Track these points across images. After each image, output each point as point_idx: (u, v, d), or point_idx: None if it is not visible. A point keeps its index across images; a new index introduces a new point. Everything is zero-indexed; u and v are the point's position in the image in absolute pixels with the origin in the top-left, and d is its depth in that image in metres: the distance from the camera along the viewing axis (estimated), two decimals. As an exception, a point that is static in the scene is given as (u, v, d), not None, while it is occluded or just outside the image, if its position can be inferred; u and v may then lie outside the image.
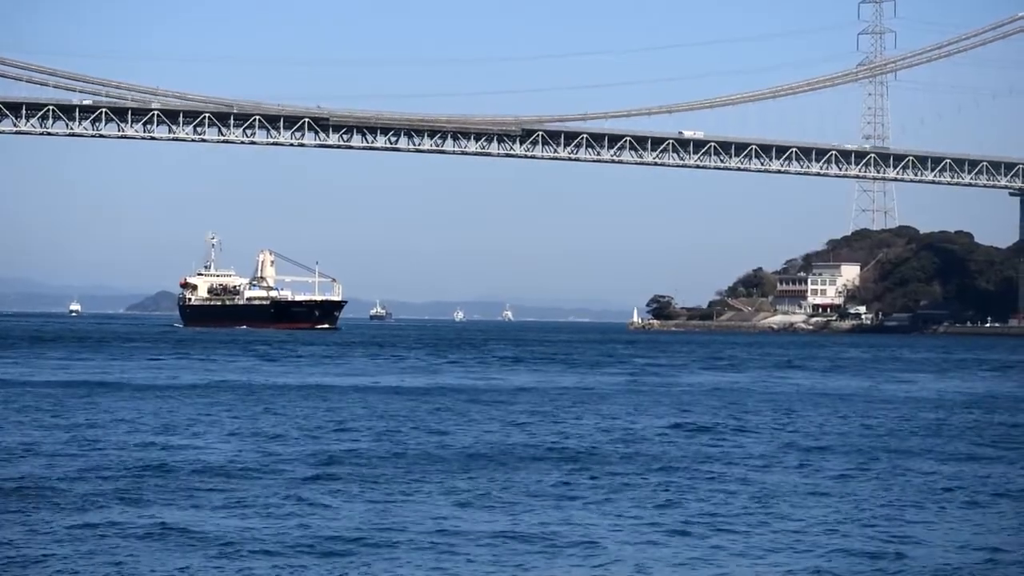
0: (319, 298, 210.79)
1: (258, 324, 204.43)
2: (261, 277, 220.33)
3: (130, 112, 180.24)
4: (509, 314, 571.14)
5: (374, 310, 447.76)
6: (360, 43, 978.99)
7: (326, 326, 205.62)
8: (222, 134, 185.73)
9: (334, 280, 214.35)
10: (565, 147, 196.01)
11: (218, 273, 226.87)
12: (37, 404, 51.27)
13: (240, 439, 40.06)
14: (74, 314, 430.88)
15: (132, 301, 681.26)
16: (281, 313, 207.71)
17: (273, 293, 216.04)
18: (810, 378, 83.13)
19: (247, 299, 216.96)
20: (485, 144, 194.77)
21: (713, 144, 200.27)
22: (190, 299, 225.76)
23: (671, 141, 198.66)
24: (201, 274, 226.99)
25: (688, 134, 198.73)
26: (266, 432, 42.16)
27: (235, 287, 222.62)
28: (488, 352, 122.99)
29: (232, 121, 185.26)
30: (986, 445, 41.75)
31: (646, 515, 26.78)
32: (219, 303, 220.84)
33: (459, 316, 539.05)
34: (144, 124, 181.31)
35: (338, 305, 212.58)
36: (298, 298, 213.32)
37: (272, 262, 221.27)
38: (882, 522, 26.46)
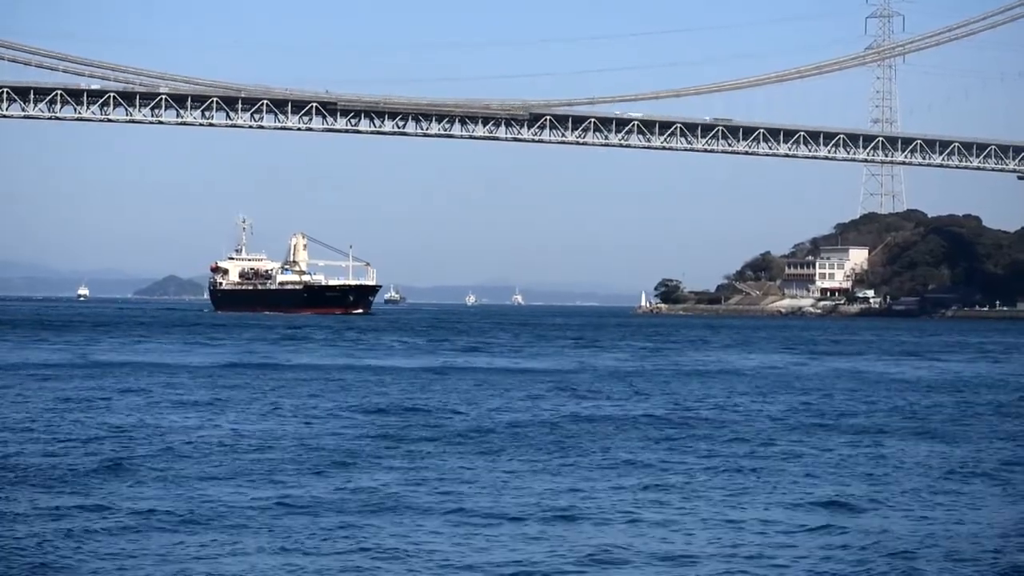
0: (353, 282, 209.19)
1: (291, 309, 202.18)
2: (294, 261, 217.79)
3: (138, 96, 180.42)
4: (519, 298, 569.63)
5: (389, 294, 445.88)
6: (367, 27, 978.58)
7: (360, 311, 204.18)
8: (230, 119, 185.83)
9: (367, 264, 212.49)
10: (573, 131, 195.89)
11: (249, 257, 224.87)
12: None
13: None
14: (82, 299, 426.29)
15: (139, 286, 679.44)
16: (314, 298, 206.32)
17: (306, 277, 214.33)
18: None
19: (279, 283, 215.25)
20: (493, 128, 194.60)
21: (721, 128, 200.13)
22: (221, 283, 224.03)
23: (678, 125, 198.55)
24: (232, 258, 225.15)
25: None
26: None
27: (267, 271, 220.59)
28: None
29: (240, 105, 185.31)
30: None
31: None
32: (251, 287, 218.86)
33: (471, 300, 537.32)
34: (152, 109, 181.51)
35: (372, 289, 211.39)
36: (331, 282, 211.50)
37: (305, 246, 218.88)
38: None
